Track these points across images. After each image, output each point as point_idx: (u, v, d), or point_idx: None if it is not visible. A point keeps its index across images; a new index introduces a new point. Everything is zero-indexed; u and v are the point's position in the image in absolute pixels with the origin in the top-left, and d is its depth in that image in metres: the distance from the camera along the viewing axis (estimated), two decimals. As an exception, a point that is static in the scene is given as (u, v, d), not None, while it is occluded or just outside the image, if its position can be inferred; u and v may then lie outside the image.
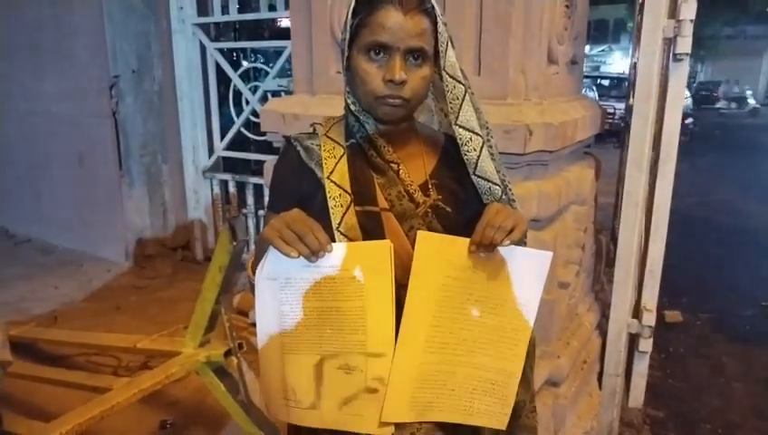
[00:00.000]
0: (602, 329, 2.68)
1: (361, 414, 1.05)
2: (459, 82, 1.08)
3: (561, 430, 2.19)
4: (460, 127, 1.08)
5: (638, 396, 2.70)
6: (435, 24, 1.04)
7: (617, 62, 28.84)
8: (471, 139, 1.08)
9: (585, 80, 15.57)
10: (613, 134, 8.22)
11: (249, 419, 1.99)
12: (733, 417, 2.86)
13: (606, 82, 15.90)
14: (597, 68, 28.40)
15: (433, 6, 1.03)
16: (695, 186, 8.37)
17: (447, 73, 1.07)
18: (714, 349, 3.59)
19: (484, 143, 1.09)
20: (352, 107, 1.10)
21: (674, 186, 2.43)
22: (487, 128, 1.11)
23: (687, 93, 18.42)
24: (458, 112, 1.08)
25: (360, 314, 1.00)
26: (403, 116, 1.08)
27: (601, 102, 13.61)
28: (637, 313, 2.54)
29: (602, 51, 30.08)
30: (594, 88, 14.03)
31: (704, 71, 31.55)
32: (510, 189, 1.11)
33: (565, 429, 2.22)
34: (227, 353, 2.03)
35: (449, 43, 1.06)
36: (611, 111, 12.82)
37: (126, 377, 2.27)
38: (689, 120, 14.81)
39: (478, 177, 1.09)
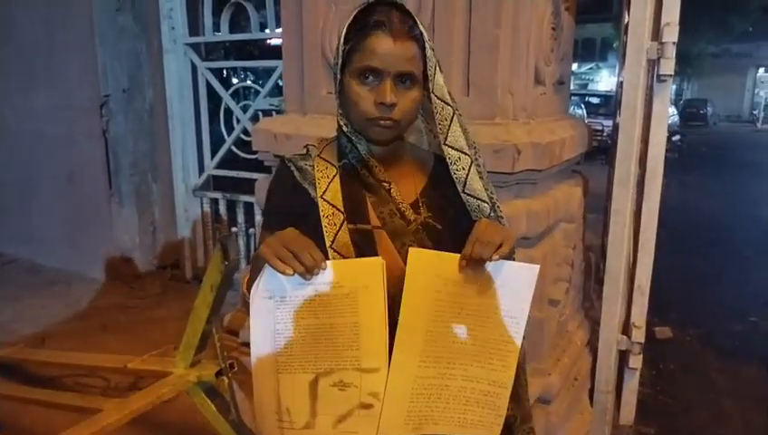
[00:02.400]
0: (593, 346, 2.70)
1: (356, 431, 1.07)
2: (447, 104, 1.11)
3: (552, 447, 2.19)
4: (449, 147, 1.11)
5: (628, 413, 2.70)
6: (423, 49, 1.07)
7: (604, 80, 29.25)
8: (460, 158, 1.12)
9: (573, 97, 15.75)
10: (602, 151, 8.33)
11: (240, 440, 1.98)
12: (723, 432, 2.87)
13: (594, 100, 16.09)
14: (585, 86, 28.80)
15: (421, 33, 1.07)
16: (683, 202, 8.45)
17: (436, 96, 1.10)
18: (703, 365, 3.61)
19: (472, 162, 1.12)
20: (345, 128, 1.13)
21: (663, 202, 2.46)
22: (475, 147, 1.14)
23: (674, 111, 18.69)
24: (447, 133, 1.11)
25: (354, 331, 1.02)
26: (393, 137, 1.12)
27: (590, 120, 13.79)
28: (626, 329, 2.56)
29: (590, 69, 30.51)
30: (583, 106, 14.19)
31: (690, 88, 32.05)
32: (498, 206, 1.14)
33: (557, 446, 2.22)
34: (218, 374, 2.02)
35: (437, 68, 1.10)
36: (599, 128, 12.99)
37: (115, 398, 2.24)
38: (677, 138, 15.00)
39: (467, 194, 1.13)
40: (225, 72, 9.28)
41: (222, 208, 4.23)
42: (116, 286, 4.35)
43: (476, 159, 1.14)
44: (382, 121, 1.06)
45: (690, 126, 19.61)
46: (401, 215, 1.12)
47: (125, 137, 4.19)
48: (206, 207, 4.34)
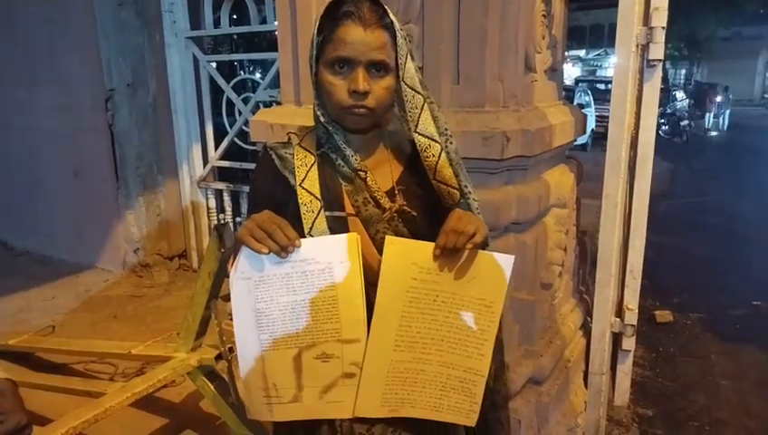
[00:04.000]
0: (587, 328, 2.74)
1: (342, 400, 1.11)
2: (418, 92, 1.14)
3: (544, 427, 2.24)
4: (419, 134, 1.15)
5: (623, 394, 2.74)
6: (395, 38, 1.10)
7: (613, 66, 28.78)
8: (430, 145, 1.15)
9: (581, 84, 15.60)
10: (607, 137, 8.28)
11: (240, 421, 2.04)
12: (720, 415, 2.89)
13: (602, 86, 15.92)
14: (593, 72, 28.46)
15: (392, 22, 1.10)
16: (689, 187, 8.41)
17: (407, 84, 1.13)
18: (703, 348, 3.62)
19: (442, 149, 1.15)
20: (322, 118, 1.16)
21: (668, 188, 2.48)
22: (446, 135, 1.17)
23: (684, 96, 18.45)
24: (417, 121, 1.14)
25: (332, 304, 1.06)
26: (369, 125, 1.15)
27: (597, 106, 13.54)
28: (620, 312, 2.59)
29: (598, 55, 30.10)
30: (589, 92, 14.06)
31: (700, 72, 31.61)
32: (469, 193, 1.17)
33: (549, 426, 2.27)
34: (218, 357, 2.09)
35: (409, 56, 1.13)
36: (607, 114, 12.83)
37: (121, 383, 2.32)
38: (685, 122, 14.86)
39: (438, 181, 1.16)
40: (236, 63, 9.28)
41: (226, 199, 4.30)
42: (124, 276, 4.45)
43: (446, 147, 1.16)
44: (356, 109, 1.09)
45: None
46: (376, 203, 1.15)
47: (130, 130, 4.26)
48: (211, 198, 4.41)
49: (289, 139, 1.24)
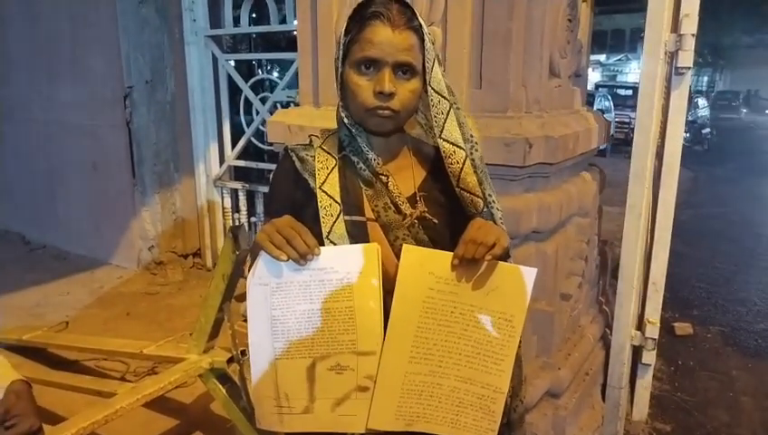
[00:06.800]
0: (606, 341, 2.67)
1: (355, 414, 1.08)
2: (444, 97, 1.11)
3: (561, 441, 2.18)
4: (444, 140, 1.12)
5: (641, 409, 2.68)
6: (422, 41, 1.07)
7: (634, 72, 28.61)
8: (455, 151, 1.11)
9: (602, 89, 15.47)
10: (628, 143, 8.18)
11: (250, 425, 2.02)
12: (740, 432, 2.82)
13: (622, 92, 15.77)
14: (613, 77, 28.25)
15: (420, 25, 1.07)
16: (710, 197, 8.27)
17: (433, 89, 1.10)
18: (724, 362, 3.54)
19: (467, 156, 1.12)
20: (345, 120, 1.14)
21: (689, 197, 2.42)
22: (471, 142, 1.13)
23: (705, 103, 18.26)
24: (443, 126, 1.11)
25: (349, 315, 1.04)
26: (393, 128, 1.12)
27: (617, 112, 13.49)
28: (640, 325, 2.53)
29: (619, 60, 29.88)
30: (609, 97, 13.95)
31: (723, 80, 31.20)
32: (493, 203, 1.13)
33: (565, 440, 2.21)
34: (230, 360, 2.07)
35: (436, 60, 1.10)
36: (626, 120, 12.76)
37: (132, 382, 2.30)
38: (707, 130, 14.66)
39: (461, 189, 1.12)
40: (256, 63, 9.27)
41: (242, 198, 4.29)
42: (138, 273, 4.46)
43: (471, 154, 1.12)
44: (381, 111, 1.06)
45: (722, 118, 19.15)
46: (396, 209, 1.12)
47: (148, 127, 4.27)
48: (227, 197, 4.40)
49: (310, 141, 1.22)
